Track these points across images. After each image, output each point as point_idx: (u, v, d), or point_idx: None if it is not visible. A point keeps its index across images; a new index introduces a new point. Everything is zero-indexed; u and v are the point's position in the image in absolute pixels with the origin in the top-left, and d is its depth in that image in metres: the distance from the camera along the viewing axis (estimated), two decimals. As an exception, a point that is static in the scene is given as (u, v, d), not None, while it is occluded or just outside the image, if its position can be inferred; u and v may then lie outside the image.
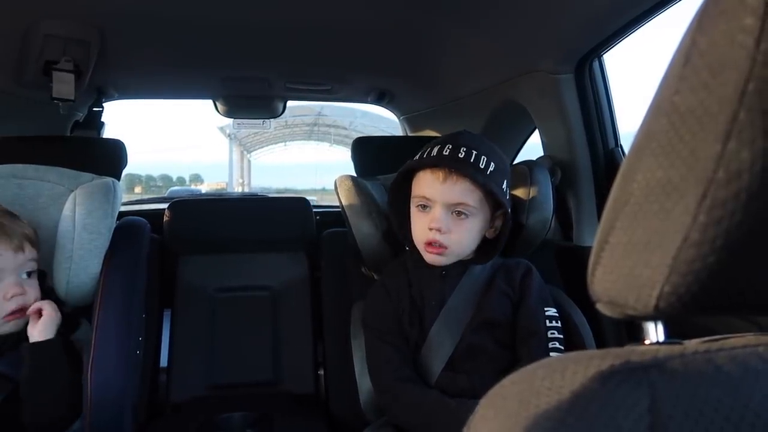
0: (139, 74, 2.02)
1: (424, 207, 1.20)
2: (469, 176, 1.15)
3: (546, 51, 1.46)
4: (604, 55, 1.48)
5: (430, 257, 1.20)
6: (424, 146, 1.24)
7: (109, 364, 1.12)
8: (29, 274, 1.16)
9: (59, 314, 1.16)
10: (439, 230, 1.16)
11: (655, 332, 0.43)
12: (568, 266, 1.56)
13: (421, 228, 1.20)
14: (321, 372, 1.77)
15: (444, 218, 1.17)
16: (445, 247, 1.18)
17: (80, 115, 2.15)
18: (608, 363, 0.35)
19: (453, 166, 1.15)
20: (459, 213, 1.17)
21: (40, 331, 1.12)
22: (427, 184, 1.18)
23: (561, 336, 1.20)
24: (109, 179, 1.25)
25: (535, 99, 1.61)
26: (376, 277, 1.44)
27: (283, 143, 20.66)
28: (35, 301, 1.15)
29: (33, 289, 1.16)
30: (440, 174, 1.16)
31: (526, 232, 1.31)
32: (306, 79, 2.14)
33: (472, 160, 1.15)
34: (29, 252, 1.15)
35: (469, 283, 1.23)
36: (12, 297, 1.12)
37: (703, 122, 0.32)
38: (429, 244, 1.18)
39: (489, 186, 1.15)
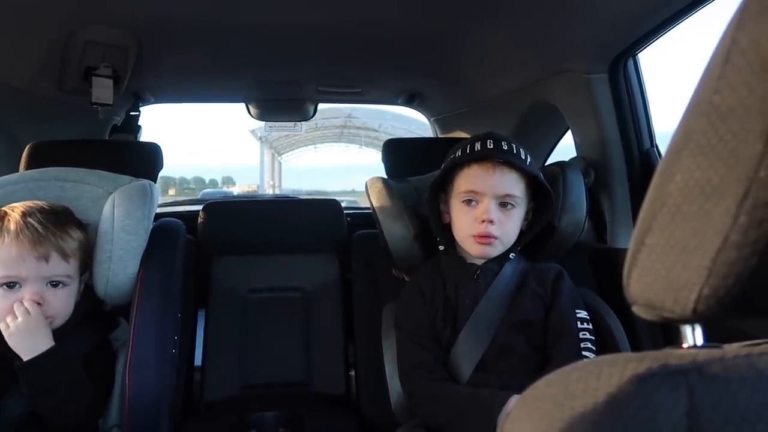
0: (175, 78, 2.06)
1: (470, 201, 1.20)
2: (517, 166, 1.18)
3: (578, 51, 1.44)
4: (638, 54, 1.46)
5: (479, 249, 1.21)
6: (454, 147, 1.24)
7: (146, 363, 1.13)
8: (56, 284, 1.11)
9: (41, 318, 1.07)
10: (491, 222, 1.18)
11: (692, 336, 0.41)
12: (602, 269, 1.54)
13: (469, 222, 1.20)
14: (352, 373, 1.77)
15: (494, 210, 1.18)
16: (496, 238, 1.19)
17: (118, 119, 2.21)
18: (645, 365, 0.34)
19: (501, 156, 1.18)
20: (506, 204, 1.19)
21: (14, 344, 1.05)
22: (476, 177, 1.19)
23: (593, 338, 1.19)
24: (146, 181, 1.27)
25: (567, 99, 1.59)
26: (406, 278, 1.44)
27: (313, 146, 20.79)
28: (55, 311, 1.10)
29: (58, 300, 1.10)
30: (489, 166, 1.18)
31: (558, 234, 1.30)
32: (337, 81, 2.16)
33: (515, 152, 1.19)
34: (57, 266, 1.10)
35: (503, 284, 1.22)
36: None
37: (743, 122, 0.32)
38: (479, 236, 1.19)
39: (536, 174, 1.20)
